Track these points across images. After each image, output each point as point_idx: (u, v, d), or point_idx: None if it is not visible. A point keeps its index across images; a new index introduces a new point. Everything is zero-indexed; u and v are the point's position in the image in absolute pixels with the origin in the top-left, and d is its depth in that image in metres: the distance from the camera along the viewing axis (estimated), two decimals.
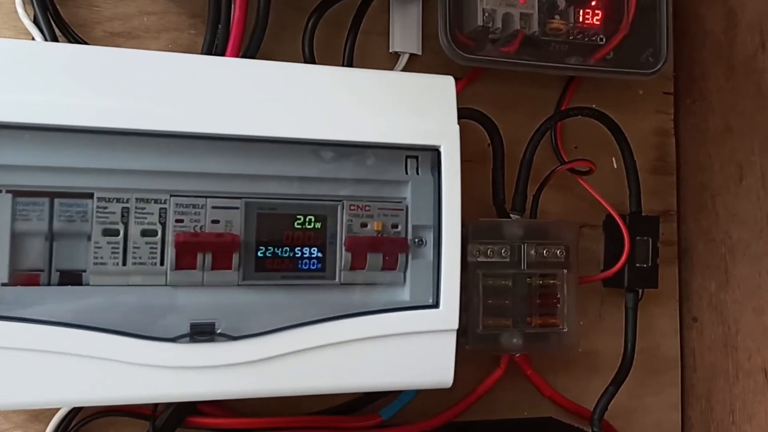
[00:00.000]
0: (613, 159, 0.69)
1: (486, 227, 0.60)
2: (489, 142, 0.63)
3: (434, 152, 0.54)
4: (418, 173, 0.55)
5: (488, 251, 0.60)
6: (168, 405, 0.56)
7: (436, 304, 0.53)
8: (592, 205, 0.66)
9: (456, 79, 0.56)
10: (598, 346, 0.67)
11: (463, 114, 0.56)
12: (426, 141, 0.54)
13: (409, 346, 0.52)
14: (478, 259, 0.59)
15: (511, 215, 0.64)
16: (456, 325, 0.53)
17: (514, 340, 0.60)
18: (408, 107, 0.53)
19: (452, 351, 0.53)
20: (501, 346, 0.60)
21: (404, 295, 0.54)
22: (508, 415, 0.65)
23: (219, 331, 0.49)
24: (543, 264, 0.61)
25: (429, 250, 0.55)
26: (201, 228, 0.50)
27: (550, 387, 0.66)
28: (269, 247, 0.52)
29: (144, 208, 0.50)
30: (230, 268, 0.51)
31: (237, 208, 0.51)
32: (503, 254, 0.60)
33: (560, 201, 0.67)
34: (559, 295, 0.61)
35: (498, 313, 0.60)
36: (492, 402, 0.64)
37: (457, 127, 0.54)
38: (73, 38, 0.57)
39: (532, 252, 0.60)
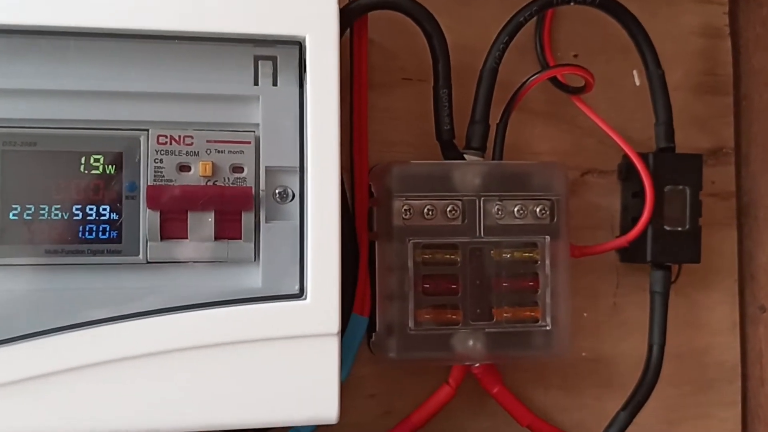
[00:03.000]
0: (634, 73, 0.52)
1: (421, 174, 0.44)
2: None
3: (298, 48, 0.37)
4: (275, 83, 0.37)
5: (426, 210, 0.44)
6: None
7: (301, 294, 0.36)
8: (602, 141, 0.51)
9: None
10: (613, 348, 0.52)
11: (381, 2, 0.43)
12: (283, 30, 0.36)
13: (262, 359, 0.36)
14: (409, 223, 0.43)
15: (465, 156, 0.46)
16: (336, 327, 0.36)
17: (470, 343, 0.45)
18: None
19: (334, 366, 0.36)
20: (449, 352, 0.45)
21: (254, 279, 0.37)
22: None
23: None
24: (513, 229, 0.45)
25: (296, 208, 0.37)
26: None
27: (531, 413, 0.49)
28: (28, 206, 0.35)
29: None
30: None
31: None
32: (450, 214, 0.44)
33: (556, 137, 0.52)
34: (539, 275, 0.45)
35: (442, 304, 0.44)
36: None
37: (335, 7, 0.37)
38: None
39: (496, 210, 0.44)
